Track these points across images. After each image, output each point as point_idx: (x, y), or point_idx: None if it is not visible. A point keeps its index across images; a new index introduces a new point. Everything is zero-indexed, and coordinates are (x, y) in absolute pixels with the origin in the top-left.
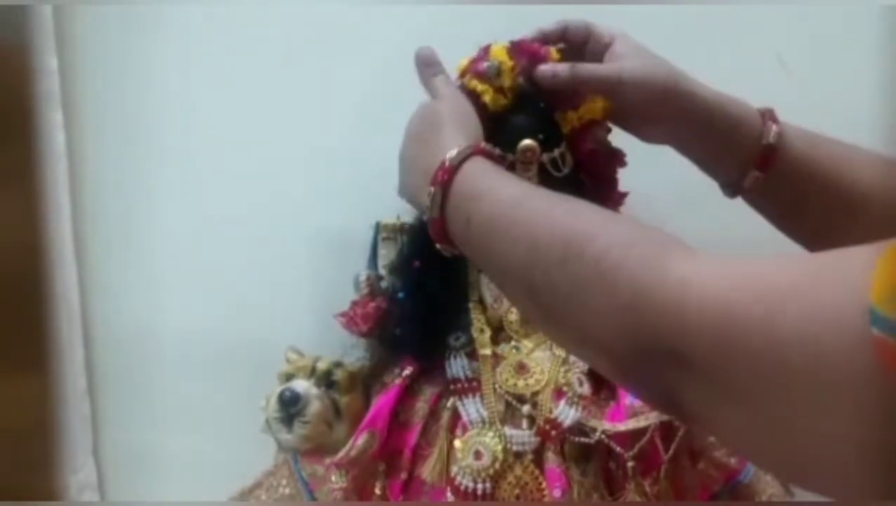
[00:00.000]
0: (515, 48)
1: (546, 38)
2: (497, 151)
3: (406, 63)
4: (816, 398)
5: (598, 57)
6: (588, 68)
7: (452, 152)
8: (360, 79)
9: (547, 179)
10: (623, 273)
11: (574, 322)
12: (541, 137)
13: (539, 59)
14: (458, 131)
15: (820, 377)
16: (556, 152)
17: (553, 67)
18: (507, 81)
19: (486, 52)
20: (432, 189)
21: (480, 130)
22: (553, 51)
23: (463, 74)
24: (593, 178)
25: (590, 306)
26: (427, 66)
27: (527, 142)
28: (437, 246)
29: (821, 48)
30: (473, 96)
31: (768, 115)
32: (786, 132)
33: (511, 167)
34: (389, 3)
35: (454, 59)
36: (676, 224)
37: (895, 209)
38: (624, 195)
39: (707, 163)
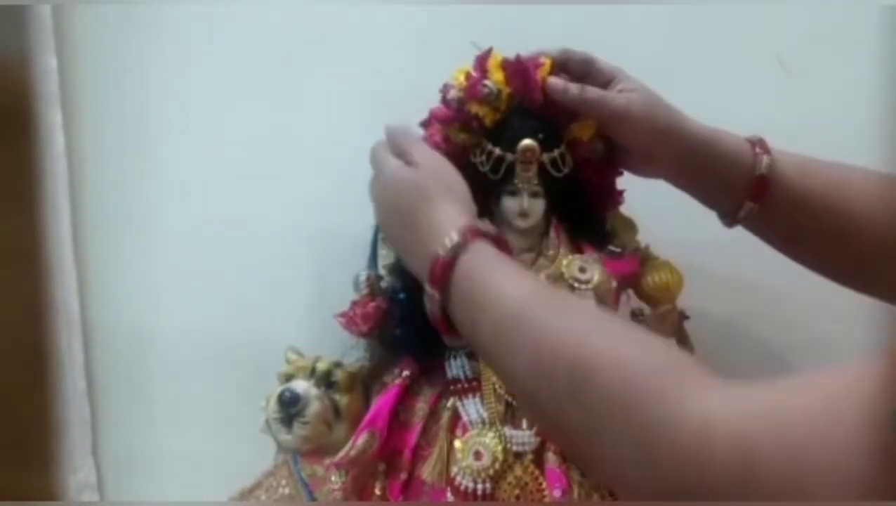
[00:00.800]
0: (510, 68)
1: (542, 59)
2: (492, 228)
3: (406, 63)
4: None
5: None
6: (598, 93)
7: (446, 242)
8: (359, 79)
9: (547, 178)
10: (637, 411)
11: (585, 450)
12: (541, 136)
13: (533, 82)
14: (450, 204)
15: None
16: (556, 152)
17: (565, 84)
18: (504, 104)
19: (481, 69)
20: (430, 290)
21: (469, 194)
22: (547, 64)
23: (459, 89)
24: (588, 185)
25: (602, 440)
26: (400, 135)
27: (527, 142)
28: (444, 339)
29: (821, 48)
30: (472, 117)
31: (759, 146)
32: (777, 161)
33: (511, 167)
34: (389, 3)
35: (454, 60)
36: (677, 225)
37: (891, 226)
38: (623, 196)
39: (703, 197)
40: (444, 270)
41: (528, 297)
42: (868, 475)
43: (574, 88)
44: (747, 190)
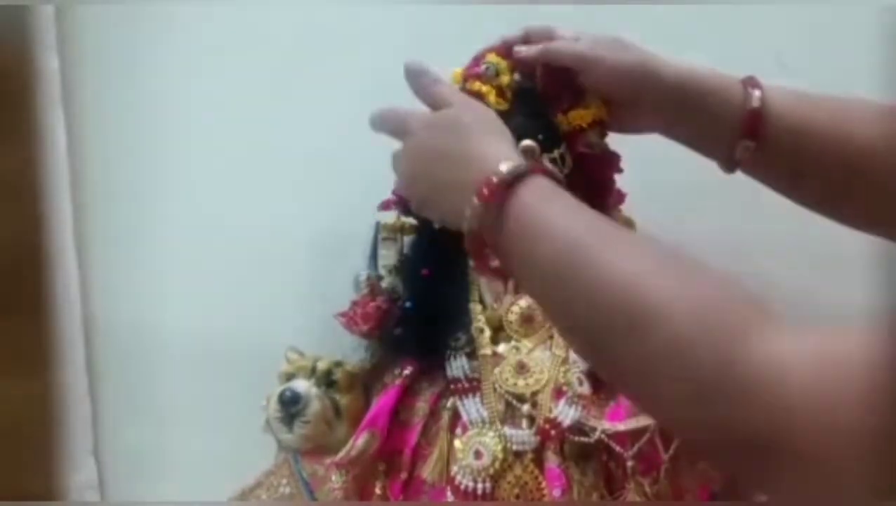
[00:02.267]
0: (501, 51)
1: (509, 45)
2: (554, 170)
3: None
4: None
5: None
6: (563, 42)
7: (502, 166)
8: (360, 79)
9: None
10: (704, 348)
11: (644, 389)
12: (540, 137)
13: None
14: (490, 138)
15: None
16: (556, 153)
17: (528, 47)
18: (505, 79)
19: (476, 59)
20: (475, 201)
21: (509, 132)
22: None
23: (462, 81)
24: (587, 180)
25: (664, 379)
26: (422, 75)
27: (526, 142)
28: (474, 266)
29: (821, 48)
30: (477, 98)
31: (749, 82)
32: (770, 95)
33: None
34: (389, 3)
35: (453, 60)
36: (676, 224)
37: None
38: (623, 196)
39: (695, 140)
40: (499, 190)
41: (585, 230)
42: None
43: (535, 48)
44: (740, 127)
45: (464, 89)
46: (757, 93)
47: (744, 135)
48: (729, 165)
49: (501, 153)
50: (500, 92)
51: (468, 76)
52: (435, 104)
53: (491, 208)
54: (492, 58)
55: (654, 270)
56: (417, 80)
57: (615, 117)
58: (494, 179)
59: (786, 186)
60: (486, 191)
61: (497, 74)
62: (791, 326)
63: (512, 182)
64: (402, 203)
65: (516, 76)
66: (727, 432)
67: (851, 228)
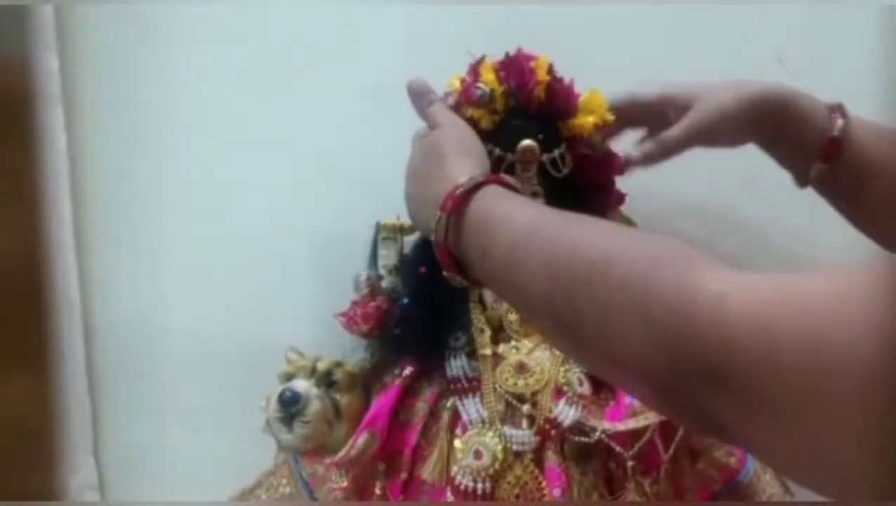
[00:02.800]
0: (504, 67)
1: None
2: (512, 179)
3: (407, 64)
4: (860, 411)
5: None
6: (682, 126)
7: (463, 179)
8: (360, 79)
9: (547, 179)
10: (653, 293)
11: (604, 348)
12: (540, 137)
13: (526, 80)
14: (463, 159)
15: (866, 391)
16: (556, 153)
17: (642, 151)
18: (500, 105)
19: (475, 74)
20: (438, 213)
21: (486, 156)
22: (542, 60)
23: (456, 96)
24: (587, 182)
25: (619, 331)
26: (421, 96)
27: (526, 142)
28: (445, 274)
29: (821, 48)
30: (470, 122)
31: (836, 110)
32: (852, 125)
33: (511, 167)
34: (389, 3)
35: (453, 60)
36: (676, 225)
37: None
38: (623, 196)
39: (777, 155)
40: (459, 199)
41: (542, 214)
42: (885, 370)
43: (650, 148)
44: (819, 151)
45: (456, 106)
46: (840, 122)
47: (820, 159)
48: (802, 181)
49: (467, 170)
50: (494, 111)
51: (464, 101)
52: (429, 125)
53: (452, 217)
54: (488, 77)
55: (611, 232)
56: (416, 101)
57: (710, 139)
58: (457, 192)
59: (850, 211)
60: (448, 203)
61: (491, 100)
62: (741, 271)
63: (471, 190)
64: None
65: (511, 101)
66: (680, 365)
67: None
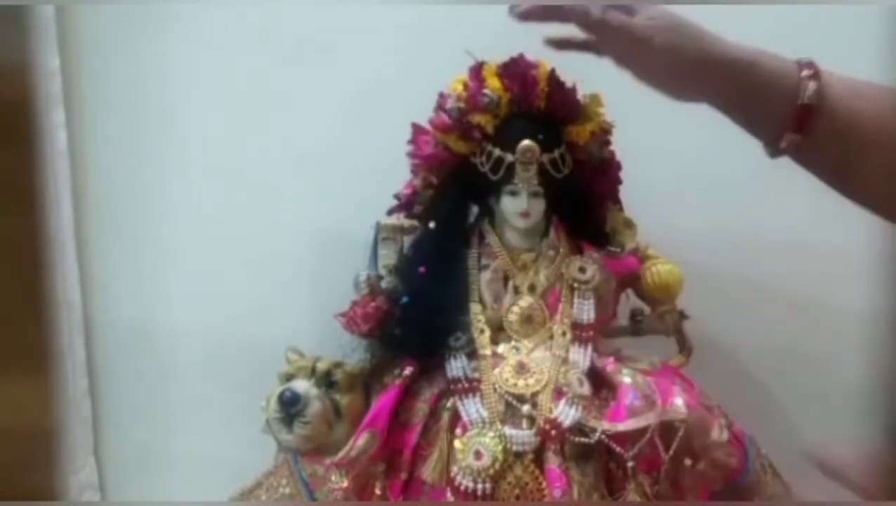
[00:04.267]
0: (507, 73)
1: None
2: None
3: (406, 64)
4: None
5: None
6: (621, 19)
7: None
8: (360, 79)
9: (547, 179)
10: None
11: None
12: (540, 137)
13: (530, 89)
14: None
15: None
16: (556, 153)
17: (586, 7)
18: (504, 110)
19: (479, 79)
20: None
21: None
22: (543, 67)
23: (457, 99)
24: (586, 187)
25: None
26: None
27: (527, 142)
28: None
29: (821, 48)
30: (473, 126)
31: (807, 68)
32: (827, 87)
33: (511, 167)
34: (390, 3)
35: (452, 60)
36: (676, 224)
37: None
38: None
39: (743, 124)
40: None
41: None
42: None
43: (597, 10)
44: (789, 119)
45: (461, 119)
46: (811, 86)
47: (791, 128)
48: (773, 151)
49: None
50: (498, 115)
51: (471, 107)
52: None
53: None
54: (492, 83)
55: None
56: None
57: (660, 83)
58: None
59: (831, 178)
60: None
61: (497, 106)
62: None
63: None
64: (404, 205)
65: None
66: None
67: None
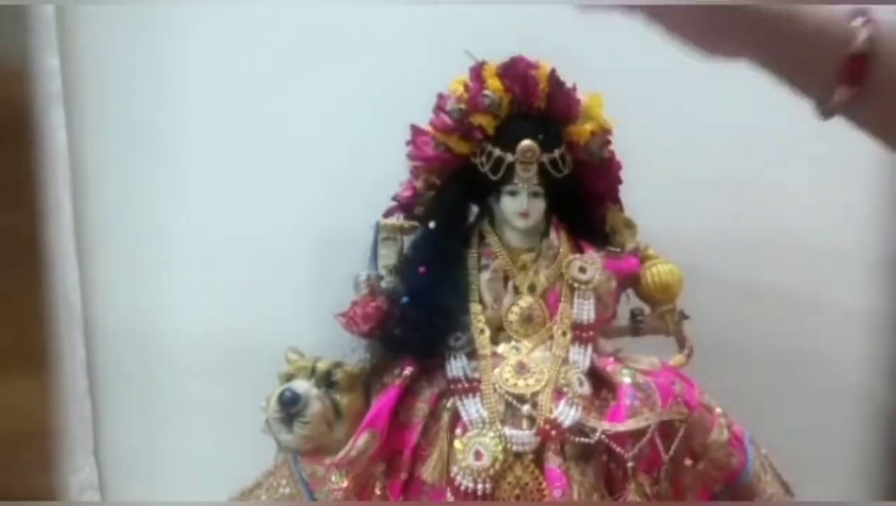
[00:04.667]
0: (508, 74)
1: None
2: None
3: (407, 65)
4: None
5: None
6: None
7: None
8: (360, 79)
9: (547, 179)
10: None
11: None
12: (540, 137)
13: (531, 90)
14: None
15: None
16: (556, 153)
17: None
18: (506, 110)
19: (480, 80)
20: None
21: None
22: (544, 68)
23: (457, 100)
24: (586, 187)
25: None
26: None
27: (527, 142)
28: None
29: None
30: (475, 127)
31: (860, 17)
32: (880, 36)
33: (511, 167)
34: (389, 3)
35: (452, 60)
36: (677, 224)
37: None
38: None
39: (788, 80)
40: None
41: None
42: None
43: None
44: (840, 71)
45: (462, 120)
46: (864, 33)
47: (844, 80)
48: (826, 111)
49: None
50: (496, 115)
51: (472, 109)
52: None
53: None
54: (493, 84)
55: None
56: None
57: (705, 45)
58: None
59: (887, 137)
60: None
61: (499, 106)
62: None
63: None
64: (403, 207)
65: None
66: None
67: None
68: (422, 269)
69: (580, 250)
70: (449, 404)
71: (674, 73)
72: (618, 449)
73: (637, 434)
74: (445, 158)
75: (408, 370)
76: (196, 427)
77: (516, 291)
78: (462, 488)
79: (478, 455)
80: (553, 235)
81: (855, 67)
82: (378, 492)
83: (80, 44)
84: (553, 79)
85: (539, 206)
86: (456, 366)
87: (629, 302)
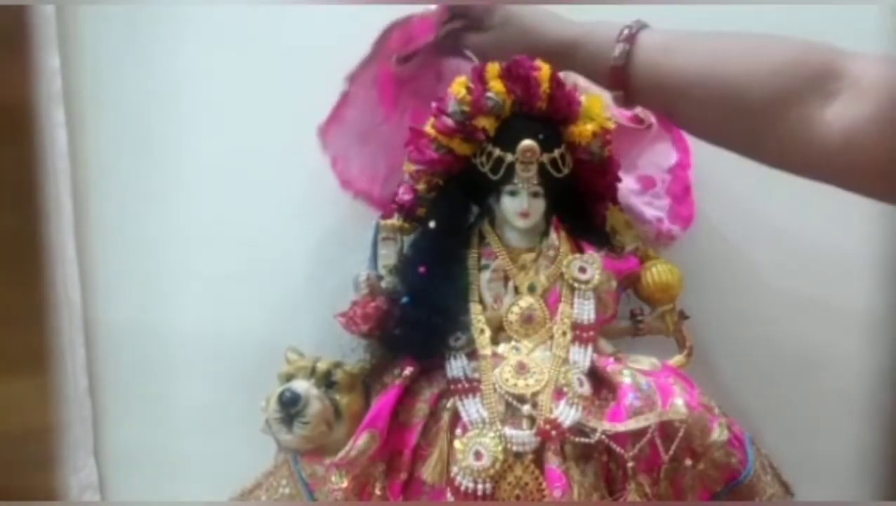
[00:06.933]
0: (510, 75)
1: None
2: None
3: None
4: None
5: None
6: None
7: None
8: None
9: (547, 178)
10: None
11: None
12: (541, 137)
13: (533, 92)
14: None
15: None
16: (556, 153)
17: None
18: (508, 112)
19: (482, 82)
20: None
21: None
22: (545, 69)
23: (459, 101)
24: (587, 187)
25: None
26: None
27: (527, 142)
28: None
29: None
30: (478, 129)
31: (625, 34)
32: (636, 50)
33: (511, 167)
34: (389, 3)
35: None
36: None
37: (772, 84)
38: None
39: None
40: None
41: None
42: None
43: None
44: (606, 80)
45: (465, 122)
46: (619, 48)
47: (610, 87)
48: (619, 105)
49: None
50: (498, 116)
51: (475, 111)
52: None
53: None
54: (497, 87)
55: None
56: None
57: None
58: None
59: (669, 121)
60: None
61: (502, 108)
62: None
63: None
64: (402, 207)
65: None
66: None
67: (748, 157)
68: (422, 269)
69: (580, 250)
70: (449, 405)
71: None
72: (618, 449)
73: (637, 434)
74: (447, 161)
75: (408, 370)
76: (196, 427)
77: (516, 291)
78: (462, 488)
79: (478, 455)
80: (553, 235)
81: (613, 77)
82: (378, 492)
83: (80, 44)
84: (554, 80)
85: (539, 206)
86: (456, 366)
87: (629, 302)
